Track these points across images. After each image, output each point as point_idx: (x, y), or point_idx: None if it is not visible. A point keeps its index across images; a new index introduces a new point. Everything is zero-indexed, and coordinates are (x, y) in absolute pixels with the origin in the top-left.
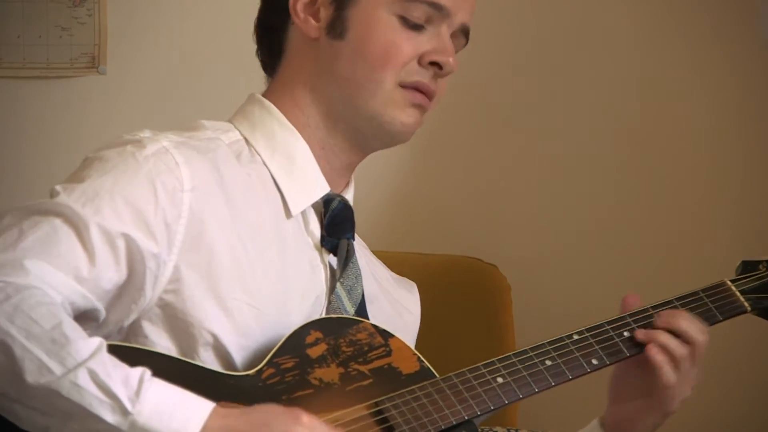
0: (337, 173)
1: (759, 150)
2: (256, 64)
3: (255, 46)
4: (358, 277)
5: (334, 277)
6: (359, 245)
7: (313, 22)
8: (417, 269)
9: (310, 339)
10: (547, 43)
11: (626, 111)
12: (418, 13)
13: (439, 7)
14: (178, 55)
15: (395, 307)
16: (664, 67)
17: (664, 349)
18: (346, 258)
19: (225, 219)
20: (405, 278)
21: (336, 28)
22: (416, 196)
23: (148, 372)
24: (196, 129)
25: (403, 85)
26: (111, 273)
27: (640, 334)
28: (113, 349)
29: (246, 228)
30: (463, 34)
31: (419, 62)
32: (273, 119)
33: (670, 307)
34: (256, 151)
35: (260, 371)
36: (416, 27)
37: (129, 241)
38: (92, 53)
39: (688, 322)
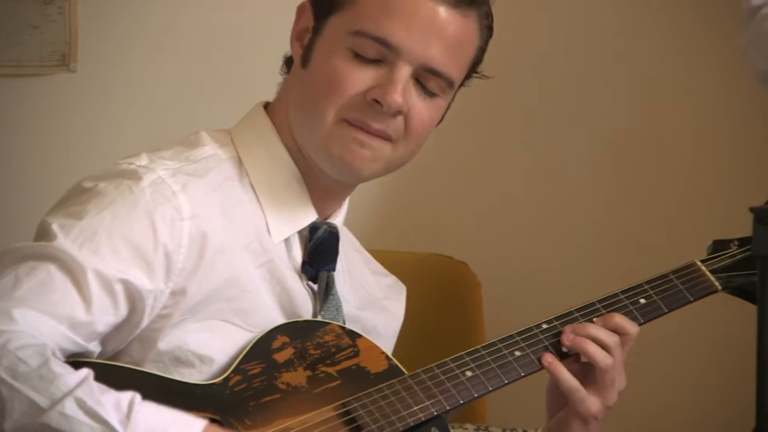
0: (322, 199)
1: (733, 149)
2: (227, 63)
3: (226, 45)
4: (339, 308)
5: (316, 303)
6: (349, 247)
7: (299, 49)
8: (388, 267)
9: (276, 344)
10: (522, 44)
11: (599, 110)
12: (369, 49)
13: (387, 45)
14: (149, 53)
15: (380, 316)
16: (643, 63)
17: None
18: (326, 290)
19: (223, 242)
20: (396, 281)
21: (306, 56)
22: (387, 194)
23: (138, 396)
24: (194, 145)
25: (346, 120)
26: (108, 317)
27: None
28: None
29: (240, 250)
30: (431, 73)
31: (365, 98)
32: (269, 139)
33: (639, 291)
34: (247, 173)
35: (227, 379)
36: (369, 62)
37: (127, 284)
38: (63, 51)
39: (596, 330)
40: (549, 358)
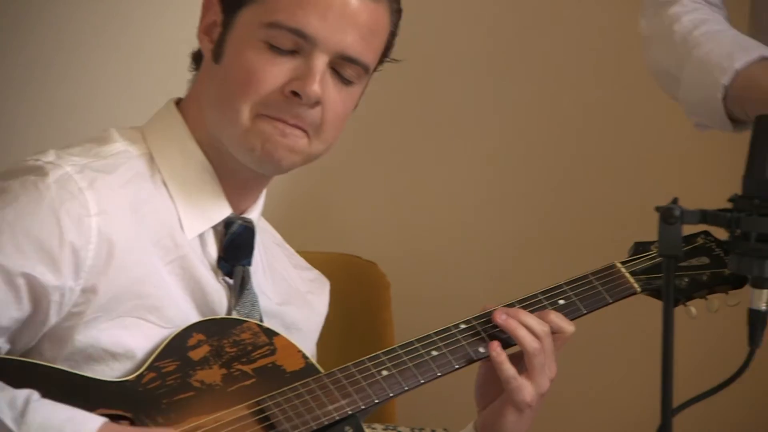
0: (238, 192)
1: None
2: (138, 60)
3: (137, 42)
4: (254, 303)
5: (231, 298)
6: (269, 241)
7: (208, 44)
8: None
9: (192, 341)
10: (429, 37)
11: (507, 104)
12: (284, 40)
13: (303, 35)
14: (55, 52)
15: (303, 311)
16: (545, 54)
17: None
18: (242, 285)
19: (133, 238)
20: (319, 275)
21: (216, 52)
22: (295, 193)
23: (36, 393)
24: (104, 142)
25: (263, 115)
26: (12, 311)
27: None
28: None
29: (150, 247)
30: (347, 61)
31: (282, 92)
32: (180, 135)
33: (559, 292)
34: (159, 169)
35: (141, 376)
36: (285, 53)
37: (29, 278)
38: None
39: (527, 317)
40: (497, 347)
